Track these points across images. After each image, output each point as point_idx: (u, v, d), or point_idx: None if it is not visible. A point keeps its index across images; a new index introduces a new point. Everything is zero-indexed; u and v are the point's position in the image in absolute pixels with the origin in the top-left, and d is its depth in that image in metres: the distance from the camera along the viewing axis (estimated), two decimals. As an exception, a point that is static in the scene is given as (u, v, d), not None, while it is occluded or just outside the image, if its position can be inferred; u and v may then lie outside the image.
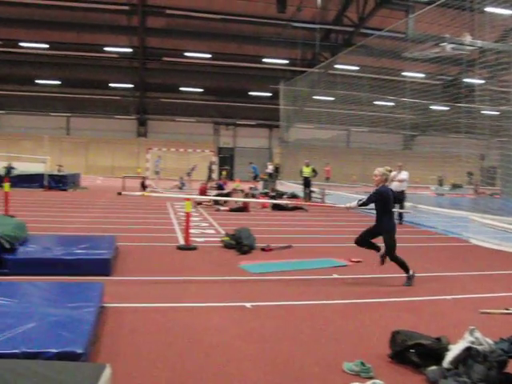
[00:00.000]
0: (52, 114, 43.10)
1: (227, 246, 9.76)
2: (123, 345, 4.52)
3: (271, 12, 32.02)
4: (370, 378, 3.94)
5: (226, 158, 46.35)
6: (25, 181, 23.84)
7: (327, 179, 31.57)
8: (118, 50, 36.16)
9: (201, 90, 42.11)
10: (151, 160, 29.71)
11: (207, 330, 5.04)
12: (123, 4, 31.60)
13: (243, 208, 17.57)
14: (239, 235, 9.72)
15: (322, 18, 33.58)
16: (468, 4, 16.88)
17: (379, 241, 7.40)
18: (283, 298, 6.34)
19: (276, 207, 18.74)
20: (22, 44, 34.73)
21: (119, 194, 17.37)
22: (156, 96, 42.54)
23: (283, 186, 30.11)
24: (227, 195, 18.72)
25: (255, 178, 31.82)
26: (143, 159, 40.18)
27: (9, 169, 24.52)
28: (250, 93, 42.38)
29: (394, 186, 14.97)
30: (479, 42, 20.47)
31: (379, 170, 7.51)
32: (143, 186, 26.29)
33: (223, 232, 11.55)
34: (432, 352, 4.18)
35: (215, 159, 31.17)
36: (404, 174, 15.01)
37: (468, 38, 21.07)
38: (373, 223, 7.51)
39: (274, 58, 36.97)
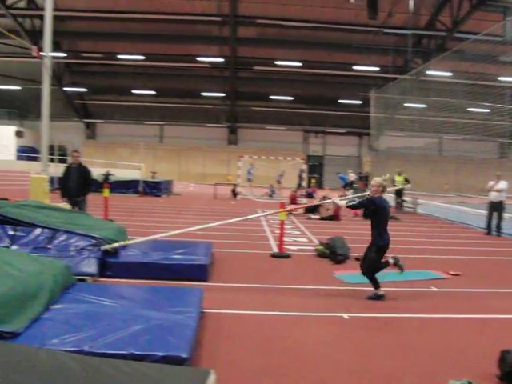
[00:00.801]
0: (147, 122, 44.77)
1: (321, 254, 9.69)
2: (223, 352, 4.58)
3: (362, 19, 31.65)
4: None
5: (315, 166, 46.18)
6: (121, 187, 24.79)
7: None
8: (210, 59, 36.99)
9: (291, 98, 42.27)
10: (243, 167, 30.05)
11: (306, 340, 5.01)
12: (215, 15, 32.28)
13: (334, 216, 17.43)
14: (333, 244, 9.63)
15: (414, 23, 32.74)
16: None
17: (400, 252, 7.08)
18: (381, 310, 6.21)
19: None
20: (119, 56, 36.33)
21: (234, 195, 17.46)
22: (247, 104, 43.12)
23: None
24: (317, 206, 18.58)
25: (345, 186, 31.44)
26: (233, 166, 40.78)
27: (107, 175, 25.57)
28: (340, 100, 42.04)
29: (493, 196, 14.36)
30: None
31: (376, 180, 7.01)
32: (234, 193, 26.66)
33: (316, 241, 11.50)
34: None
35: (305, 167, 31.11)
36: (502, 184, 14.33)
37: None
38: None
39: (365, 65, 36.46)
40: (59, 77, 38.73)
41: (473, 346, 5.06)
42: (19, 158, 40.94)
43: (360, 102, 39.79)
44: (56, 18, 29.09)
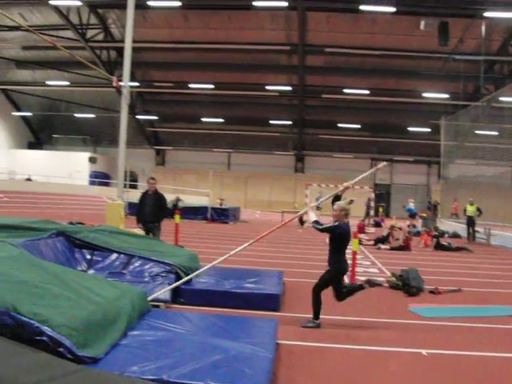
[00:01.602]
0: (215, 150, 45.49)
1: (394, 286, 9.42)
2: (299, 385, 4.49)
3: (431, 45, 31.13)
4: None
5: (383, 195, 45.43)
6: (190, 213, 25.14)
7: (455, 216, 29.54)
8: (278, 88, 37.32)
9: (358, 126, 41.97)
10: (310, 195, 29.89)
11: (385, 376, 4.83)
12: (284, 44, 32.63)
13: (404, 247, 17.01)
14: (407, 276, 9.34)
15: (486, 49, 31.98)
16: None
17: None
18: (461, 347, 5.90)
19: (439, 247, 17.93)
20: (190, 85, 37.24)
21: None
22: (314, 132, 43.13)
23: (443, 224, 28.76)
24: (387, 237, 18.21)
25: (414, 215, 30.73)
26: (300, 194, 40.66)
27: (177, 201, 26.02)
28: (409, 128, 41.35)
29: None
30: None
31: (339, 205, 6.76)
32: (301, 221, 26.53)
33: (387, 271, 11.22)
34: None
35: (373, 196, 30.64)
36: None
37: None
38: None
39: (434, 92, 35.81)
40: (132, 105, 39.97)
41: None
42: (92, 182, 42.44)
43: (429, 130, 39.03)
44: (132, 50, 30.39)
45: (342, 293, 6.92)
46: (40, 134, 49.42)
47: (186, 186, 35.97)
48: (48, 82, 39.75)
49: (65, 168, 41.96)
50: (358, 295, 8.74)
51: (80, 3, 28.42)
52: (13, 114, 45.85)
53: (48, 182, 37.13)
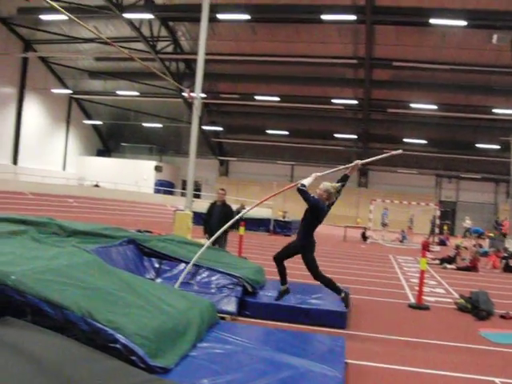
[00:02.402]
0: (278, 162, 45.57)
1: (462, 309, 9.12)
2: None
3: (504, 60, 30.19)
4: None
5: (447, 212, 44.23)
6: (252, 224, 25.22)
7: (504, 235, 28.23)
8: (343, 101, 37.07)
9: (424, 141, 41.11)
10: (375, 211, 29.44)
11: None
12: (351, 58, 32.39)
13: (471, 268, 16.48)
14: (476, 299, 9.02)
15: None
16: None
17: None
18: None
19: (508, 269, 17.29)
20: (256, 97, 37.52)
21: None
22: (378, 147, 42.46)
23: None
24: (454, 258, 17.68)
25: (480, 235, 29.82)
26: (363, 209, 40.20)
27: (241, 209, 26.11)
28: (477, 145, 40.16)
29: None
30: None
31: (324, 185, 6.91)
32: (364, 237, 26.20)
33: (454, 293, 10.90)
34: None
35: (438, 213, 29.87)
36: None
37: None
38: None
39: (505, 108, 34.66)
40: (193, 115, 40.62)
41: None
42: (157, 191, 43.35)
43: (498, 147, 37.82)
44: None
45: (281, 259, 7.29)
46: (109, 141, 50.94)
47: (248, 197, 36.15)
48: (118, 92, 40.99)
49: (131, 175, 43.08)
50: (426, 316, 8.55)
51: (152, 16, 29.22)
52: (84, 122, 47.48)
53: (115, 189, 38.21)
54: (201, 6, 27.52)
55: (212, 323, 5.23)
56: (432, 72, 32.64)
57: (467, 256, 17.47)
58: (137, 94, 40.38)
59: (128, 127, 46.36)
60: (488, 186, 44.17)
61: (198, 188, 36.77)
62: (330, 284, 6.87)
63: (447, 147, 41.19)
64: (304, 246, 7.00)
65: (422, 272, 9.25)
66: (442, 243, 27.97)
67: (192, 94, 9.08)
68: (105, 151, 50.54)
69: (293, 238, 22.87)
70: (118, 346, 3.83)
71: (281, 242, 21.71)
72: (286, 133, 42.80)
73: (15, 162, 39.53)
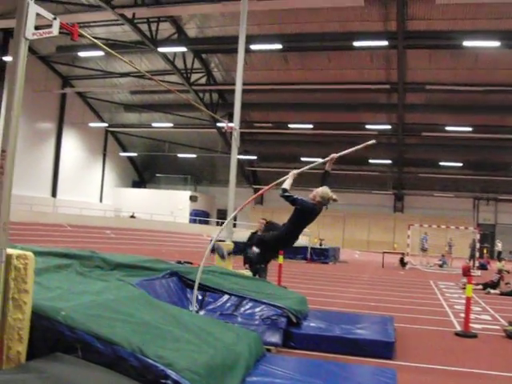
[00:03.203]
0: (312, 189, 45.13)
1: (511, 336, 8.86)
2: None
3: (540, 79, 29.87)
4: None
5: (487, 235, 43.31)
6: (289, 252, 25.04)
7: None
8: (377, 127, 36.94)
9: (460, 164, 40.58)
10: (412, 236, 29.00)
11: None
12: (384, 83, 32.35)
13: (517, 292, 16.03)
14: (526, 325, 8.78)
15: None
16: None
17: None
18: None
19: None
20: (290, 125, 37.72)
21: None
22: (414, 171, 42.20)
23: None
24: (498, 283, 17.23)
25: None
26: (399, 234, 39.74)
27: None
28: (515, 166, 39.53)
29: None
30: None
31: (319, 191, 6.88)
32: (402, 263, 25.80)
33: (501, 319, 10.60)
34: None
35: (478, 237, 29.29)
36: None
37: None
38: None
39: (544, 128, 34.09)
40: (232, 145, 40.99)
41: None
42: (192, 220, 43.62)
43: (536, 167, 37.18)
44: (233, 92, 31.33)
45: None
46: (144, 173, 51.69)
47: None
48: (153, 124, 41.72)
49: (167, 206, 43.51)
50: (474, 344, 8.31)
51: (185, 49, 29.80)
52: (120, 154, 48.34)
53: (151, 220, 38.59)
54: (233, 38, 28.07)
55: (259, 356, 5.19)
56: (466, 94, 32.37)
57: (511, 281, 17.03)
58: (171, 125, 41.05)
59: (163, 158, 46.98)
60: (527, 207, 43.32)
61: (234, 217, 36.91)
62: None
63: (484, 169, 40.60)
64: (278, 236, 7.15)
65: (468, 299, 9.02)
66: (483, 267, 27.39)
67: (230, 125, 9.20)
68: (140, 182, 51.29)
69: (330, 265, 22.68)
70: (169, 382, 3.81)
71: (319, 269, 21.57)
72: (320, 160, 42.64)
73: (54, 194, 40.35)
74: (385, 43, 26.30)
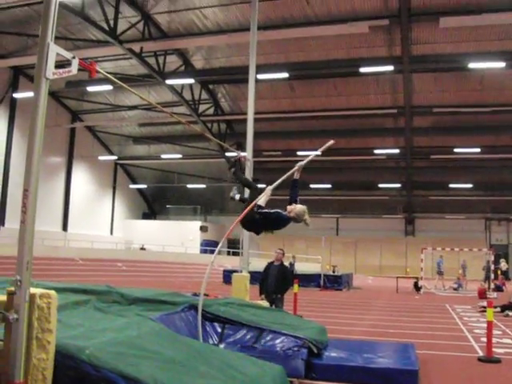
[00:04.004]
0: (323, 215, 45.33)
1: (536, 359, 8.71)
2: None
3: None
4: None
5: (499, 256, 42.87)
6: (302, 280, 24.88)
7: None
8: (385, 151, 36.98)
9: (470, 185, 40.46)
10: (426, 259, 28.73)
11: None
12: (390, 107, 32.47)
13: (536, 314, 15.80)
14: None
15: None
16: None
17: None
18: None
19: None
20: (298, 153, 37.65)
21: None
22: (423, 194, 42.11)
23: None
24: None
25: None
26: (412, 258, 39.48)
27: (291, 265, 25.95)
28: (525, 185, 39.34)
29: None
30: None
31: (296, 210, 7.08)
32: (416, 287, 25.54)
33: (523, 342, 10.44)
34: None
35: (493, 258, 28.96)
36: None
37: None
38: None
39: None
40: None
41: None
42: (203, 251, 43.51)
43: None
44: (240, 122, 31.55)
45: None
46: (154, 204, 51.86)
47: (295, 253, 35.97)
48: (162, 156, 41.97)
49: (177, 237, 43.50)
50: (499, 369, 8.15)
51: (193, 81, 30.12)
52: (129, 186, 48.58)
53: (162, 251, 38.54)
54: (239, 68, 28.38)
55: (284, 390, 5.10)
56: (473, 115, 32.45)
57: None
58: (180, 156, 41.29)
59: (172, 189, 47.20)
60: (540, 226, 43.06)
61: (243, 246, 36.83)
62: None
63: (494, 189, 40.50)
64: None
65: (490, 323, 8.89)
66: (499, 289, 27.05)
67: (243, 154, 9.26)
68: (150, 214, 51.41)
69: (344, 292, 22.48)
70: (197, 418, 3.75)
71: (334, 297, 21.38)
72: (330, 186, 42.80)
73: (65, 228, 40.47)
74: (390, 68, 26.47)
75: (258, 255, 36.67)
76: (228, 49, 28.67)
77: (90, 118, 40.28)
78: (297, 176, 7.45)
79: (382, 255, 44.49)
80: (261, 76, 27.08)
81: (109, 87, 30.54)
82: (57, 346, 3.97)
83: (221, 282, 26.31)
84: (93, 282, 15.65)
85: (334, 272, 28.12)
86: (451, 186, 40.65)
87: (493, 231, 44.35)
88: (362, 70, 26.78)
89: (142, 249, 40.59)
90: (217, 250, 7.69)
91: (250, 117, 10.34)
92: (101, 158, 42.70)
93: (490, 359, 8.69)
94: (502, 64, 25.08)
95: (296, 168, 7.44)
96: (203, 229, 46.02)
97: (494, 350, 9.53)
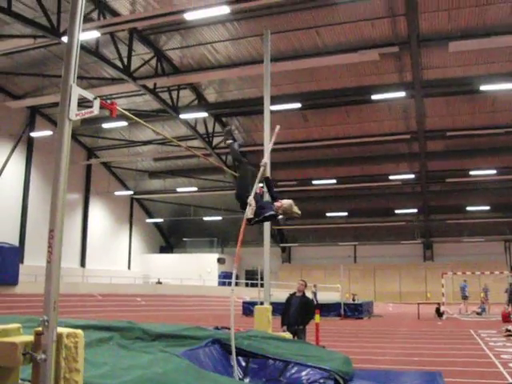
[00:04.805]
0: (340, 243, 45.15)
1: None
2: None
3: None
4: None
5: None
6: (322, 310, 24.65)
7: None
8: (400, 177, 36.88)
9: (487, 207, 40.12)
10: (446, 285, 28.39)
11: None
12: (404, 133, 32.46)
13: None
14: None
15: None
16: None
17: None
18: None
19: None
20: (313, 182, 37.89)
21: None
22: (441, 218, 41.81)
23: None
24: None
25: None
26: (432, 283, 39.08)
27: (314, 295, 25.71)
28: (544, 206, 38.92)
29: None
30: None
31: (288, 204, 7.39)
32: (438, 313, 25.18)
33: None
34: None
35: (514, 280, 28.52)
36: None
37: None
38: None
39: None
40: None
41: None
42: (221, 283, 43.37)
43: None
44: (254, 153, 31.65)
45: None
46: (170, 238, 51.96)
47: (313, 282, 35.75)
48: (177, 189, 42.20)
49: (195, 270, 43.52)
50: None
51: (206, 115, 30.40)
52: (146, 221, 48.79)
53: (180, 285, 38.48)
54: (251, 100, 28.61)
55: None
56: (487, 137, 32.32)
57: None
58: (195, 189, 41.52)
59: (188, 222, 47.29)
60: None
61: (261, 276, 36.68)
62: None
63: (512, 210, 40.13)
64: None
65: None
66: (522, 313, 26.55)
67: (260, 185, 9.28)
68: (167, 247, 51.49)
69: (365, 320, 22.20)
70: None
71: (355, 325, 21.12)
72: (346, 214, 42.74)
73: (83, 264, 40.58)
74: (402, 94, 26.54)
75: (276, 285, 36.47)
76: (240, 81, 28.97)
77: (106, 154, 40.71)
78: (265, 173, 7.76)
79: (401, 281, 44.03)
80: (274, 107, 27.28)
81: (123, 123, 30.94)
82: (84, 385, 3.97)
83: (240, 314, 26.12)
84: (113, 318, 15.65)
85: (353, 300, 27.85)
86: (468, 208, 40.38)
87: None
88: (374, 97, 26.88)
89: (159, 283, 40.54)
90: (234, 277, 7.65)
91: (267, 147, 10.38)
92: (117, 193, 43.03)
93: (520, 386, 8.52)
94: (512, 85, 25.12)
95: (262, 170, 7.64)
96: (221, 261, 45.97)
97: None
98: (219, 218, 45.12)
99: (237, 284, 43.67)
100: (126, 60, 24.74)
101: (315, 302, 22.86)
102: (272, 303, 11.48)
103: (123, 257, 46.13)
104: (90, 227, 41.57)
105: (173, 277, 40.81)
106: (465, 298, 28.24)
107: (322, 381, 6.74)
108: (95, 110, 4.29)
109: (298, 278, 39.14)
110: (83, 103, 4.15)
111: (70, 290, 28.69)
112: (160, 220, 49.24)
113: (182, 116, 29.83)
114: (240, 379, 6.81)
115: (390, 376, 7.97)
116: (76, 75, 3.96)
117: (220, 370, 6.67)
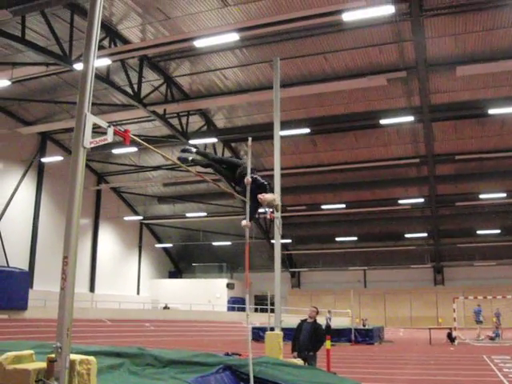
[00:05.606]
0: (350, 268, 44.93)
1: None
2: None
3: None
4: None
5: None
6: (333, 335, 24.45)
7: None
8: (410, 201, 36.78)
9: (498, 231, 39.88)
10: (458, 309, 28.08)
11: None
12: (413, 157, 32.46)
13: None
14: None
15: None
16: None
17: None
18: None
19: None
20: (322, 206, 37.85)
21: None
22: (451, 242, 41.54)
23: None
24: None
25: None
26: (443, 308, 38.71)
27: (327, 321, 25.53)
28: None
29: None
30: None
31: (271, 197, 7.60)
32: (450, 338, 24.91)
33: None
34: None
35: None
36: None
37: None
38: None
39: None
40: (266, 231, 41.27)
41: None
42: (230, 308, 43.15)
43: None
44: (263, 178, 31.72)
45: None
46: (179, 263, 51.87)
47: (322, 307, 35.52)
48: (187, 214, 42.28)
49: (204, 295, 43.35)
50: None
51: (215, 140, 30.57)
52: (155, 246, 48.82)
53: (189, 310, 38.31)
54: (260, 126, 28.74)
55: None
56: (496, 160, 32.26)
57: None
58: (204, 214, 41.61)
59: (198, 247, 47.27)
60: None
61: (271, 302, 36.48)
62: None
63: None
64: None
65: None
66: (537, 338, 26.27)
67: (273, 214, 9.37)
68: (176, 272, 51.38)
69: (376, 345, 21.99)
70: None
71: (366, 351, 20.90)
72: (355, 238, 42.61)
73: (92, 289, 40.53)
74: (410, 119, 26.59)
75: (285, 311, 36.20)
76: (249, 107, 29.16)
77: (115, 179, 40.92)
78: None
79: (412, 306, 43.63)
80: (283, 133, 27.35)
81: (133, 149, 31.16)
82: (97, 413, 3.96)
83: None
84: (122, 344, 15.59)
85: (364, 325, 27.61)
86: (478, 232, 40.17)
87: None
88: (383, 121, 26.97)
89: (166, 308, 40.40)
90: (247, 301, 7.64)
91: (277, 172, 10.45)
92: (126, 218, 43.16)
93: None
94: (521, 108, 25.13)
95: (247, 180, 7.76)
96: (230, 286, 45.80)
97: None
98: (228, 243, 45.07)
99: (244, 309, 43.47)
100: (136, 86, 25.01)
101: (330, 328, 22.72)
102: (282, 329, 11.44)
103: (132, 282, 46.05)
104: (100, 252, 41.59)
105: (182, 302, 40.66)
106: (479, 322, 27.91)
107: (334, 408, 6.68)
108: (109, 138, 4.36)
109: (307, 303, 39.10)
110: (94, 129, 4.21)
111: (80, 315, 28.61)
112: (169, 245, 49.25)
113: (192, 141, 30.00)
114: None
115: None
116: (90, 104, 4.03)
117: (231, 397, 6.63)
